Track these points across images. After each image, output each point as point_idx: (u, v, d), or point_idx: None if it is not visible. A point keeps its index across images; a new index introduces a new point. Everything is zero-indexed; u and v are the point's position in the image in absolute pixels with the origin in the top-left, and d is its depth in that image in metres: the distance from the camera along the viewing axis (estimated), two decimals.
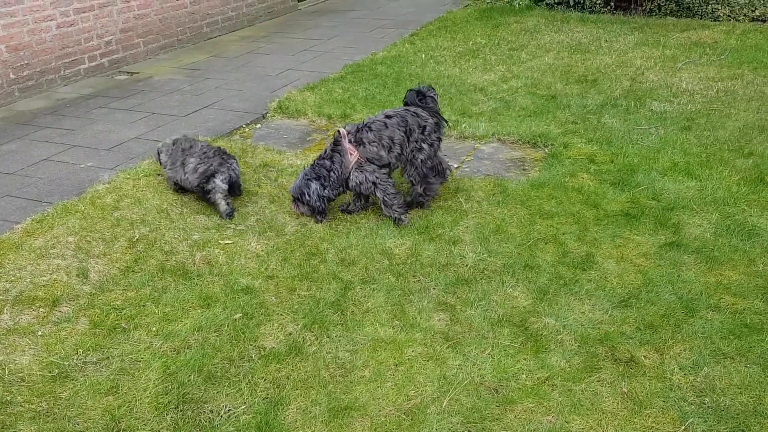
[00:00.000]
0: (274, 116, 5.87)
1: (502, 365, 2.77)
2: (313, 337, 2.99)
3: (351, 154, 3.87)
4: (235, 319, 3.11)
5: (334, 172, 3.91)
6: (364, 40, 8.50)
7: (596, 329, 2.96)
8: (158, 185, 4.49)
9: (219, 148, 4.25)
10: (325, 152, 3.97)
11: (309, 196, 3.90)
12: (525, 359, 2.81)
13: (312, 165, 3.99)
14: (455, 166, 4.77)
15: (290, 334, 3.01)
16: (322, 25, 9.50)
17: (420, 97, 4.16)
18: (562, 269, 3.44)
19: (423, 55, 7.52)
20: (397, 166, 4.05)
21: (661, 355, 2.79)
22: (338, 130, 3.95)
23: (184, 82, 6.96)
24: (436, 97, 4.24)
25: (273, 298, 3.28)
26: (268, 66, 7.49)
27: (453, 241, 3.75)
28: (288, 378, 2.75)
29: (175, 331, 3.05)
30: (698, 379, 2.64)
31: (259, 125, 5.71)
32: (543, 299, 3.20)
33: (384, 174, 3.93)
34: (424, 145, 3.99)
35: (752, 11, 8.26)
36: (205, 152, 4.14)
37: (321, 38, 8.71)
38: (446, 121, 4.28)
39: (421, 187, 4.06)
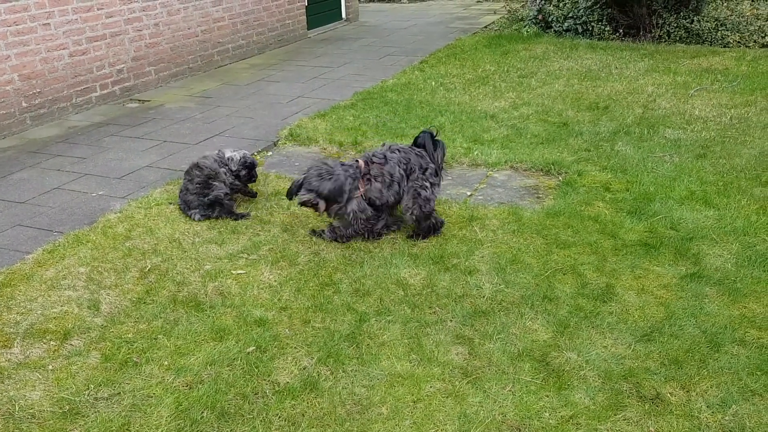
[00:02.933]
0: (286, 144, 5.86)
1: (524, 402, 2.69)
2: (329, 372, 2.92)
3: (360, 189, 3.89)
4: (249, 353, 3.05)
5: None
6: (373, 68, 8.54)
7: (620, 364, 2.88)
8: (170, 214, 4.46)
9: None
10: None
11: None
12: (547, 396, 2.73)
13: None
14: (468, 193, 4.73)
15: (305, 368, 2.94)
16: (332, 53, 9.56)
17: (434, 143, 4.16)
18: (581, 301, 3.37)
19: (433, 83, 7.53)
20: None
21: (688, 392, 2.70)
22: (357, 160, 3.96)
23: (195, 110, 6.98)
24: (445, 150, 4.24)
25: (287, 330, 3.22)
26: (278, 93, 7.52)
27: (469, 272, 3.69)
28: (303, 415, 2.68)
29: (188, 365, 2.99)
30: (726, 418, 2.55)
31: (270, 153, 5.70)
32: (564, 332, 3.12)
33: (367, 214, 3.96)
34: (426, 184, 3.98)
35: (762, 37, 8.27)
36: None
37: (331, 66, 8.75)
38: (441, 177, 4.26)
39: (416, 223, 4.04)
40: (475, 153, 5.40)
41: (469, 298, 3.45)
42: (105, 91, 7.35)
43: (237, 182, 4.52)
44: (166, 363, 3.01)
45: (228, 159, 4.50)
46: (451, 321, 3.27)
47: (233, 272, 3.75)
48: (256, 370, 2.93)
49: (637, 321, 3.18)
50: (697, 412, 2.59)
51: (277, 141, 5.97)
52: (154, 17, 7.83)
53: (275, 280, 3.65)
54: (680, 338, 3.03)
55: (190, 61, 8.48)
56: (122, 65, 7.50)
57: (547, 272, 3.64)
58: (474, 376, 2.87)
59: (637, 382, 2.76)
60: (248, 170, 4.54)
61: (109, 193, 4.93)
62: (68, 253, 3.96)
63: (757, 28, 8.41)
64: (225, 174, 4.44)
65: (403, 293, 3.51)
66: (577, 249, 3.86)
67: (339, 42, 10.40)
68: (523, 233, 4.07)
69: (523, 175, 5.01)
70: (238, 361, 2.99)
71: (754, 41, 8.26)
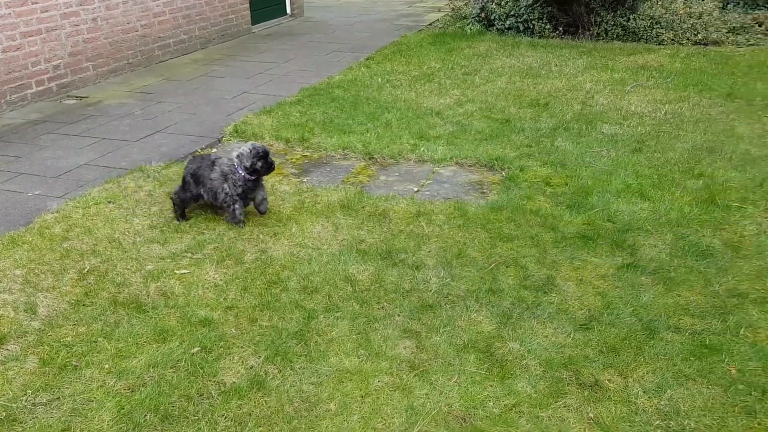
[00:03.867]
0: (230, 140, 5.78)
1: (469, 393, 2.75)
2: (276, 370, 2.91)
3: None
4: (193, 354, 3.00)
5: None
6: (319, 64, 8.50)
7: (560, 353, 2.98)
8: (109, 213, 4.34)
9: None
10: None
11: None
12: (492, 386, 2.79)
13: None
14: (415, 189, 4.78)
15: (251, 368, 2.92)
16: (277, 49, 9.46)
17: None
18: (524, 293, 3.45)
19: (379, 79, 7.56)
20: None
21: (625, 378, 2.81)
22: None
23: (136, 106, 6.80)
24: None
25: (233, 329, 3.19)
26: (222, 89, 7.40)
27: (416, 266, 3.73)
28: (250, 415, 2.66)
29: (130, 368, 2.92)
30: (662, 403, 2.66)
31: (215, 149, 5.60)
32: (507, 323, 3.20)
33: None
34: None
35: (695, 35, 8.62)
36: None
37: (276, 61, 8.67)
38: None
39: None
40: (422, 149, 5.45)
41: (417, 292, 3.49)
42: (41, 88, 7.07)
43: (251, 180, 4.12)
44: (107, 366, 2.94)
45: (238, 156, 4.09)
46: (399, 315, 3.30)
47: (176, 272, 3.68)
48: (201, 371, 2.89)
49: (576, 310, 3.28)
50: (634, 398, 2.69)
51: (222, 137, 5.87)
52: (92, 12, 7.58)
53: (221, 279, 3.60)
54: (617, 326, 3.14)
55: (130, 57, 8.25)
56: (59, 61, 7.23)
57: (491, 265, 3.71)
58: (421, 369, 2.91)
59: (577, 370, 2.86)
60: (264, 159, 4.09)
61: (46, 192, 4.76)
62: (3, 255, 3.81)
63: (689, 26, 8.76)
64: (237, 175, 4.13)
65: (351, 289, 3.52)
66: (520, 242, 3.95)
67: (284, 37, 10.30)
68: (469, 228, 4.14)
69: (468, 171, 5.09)
70: (182, 363, 2.94)
71: (687, 39, 8.60)
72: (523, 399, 2.71)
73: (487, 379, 2.84)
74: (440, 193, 4.73)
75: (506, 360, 2.94)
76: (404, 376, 2.86)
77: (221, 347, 3.05)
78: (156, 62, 8.66)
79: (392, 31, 10.50)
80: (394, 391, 2.78)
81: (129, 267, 3.72)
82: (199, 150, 5.55)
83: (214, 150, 5.59)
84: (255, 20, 10.80)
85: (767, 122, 5.59)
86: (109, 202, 4.50)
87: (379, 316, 3.29)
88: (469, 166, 5.18)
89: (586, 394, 2.73)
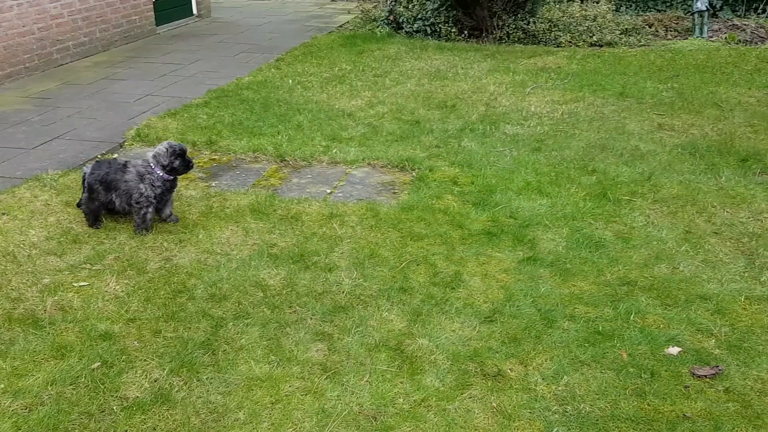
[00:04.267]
0: (133, 145, 5.58)
1: (380, 391, 2.79)
2: (182, 382, 2.84)
3: None
4: (94, 369, 2.89)
5: None
6: (228, 65, 8.35)
7: (466, 346, 3.08)
8: (3, 225, 4.10)
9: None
10: None
11: None
12: (402, 383, 2.85)
13: None
14: (328, 191, 4.79)
15: (156, 381, 2.84)
16: (183, 50, 9.21)
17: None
18: (433, 289, 3.54)
19: (290, 81, 7.51)
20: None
21: (525, 366, 2.95)
22: None
23: (33, 113, 6.44)
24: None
25: (135, 342, 3.09)
26: (125, 92, 7.13)
27: (329, 268, 3.74)
28: (155, 429, 2.59)
29: (26, 386, 2.78)
30: (560, 388, 2.81)
31: (116, 155, 5.39)
32: (417, 320, 3.28)
33: None
34: None
35: (590, 37, 9.09)
36: None
37: (182, 63, 8.43)
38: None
39: None
40: (334, 151, 5.47)
41: (329, 294, 3.51)
42: None
43: (169, 180, 4.06)
44: (2, 386, 2.78)
45: (155, 156, 4.00)
46: (311, 319, 3.30)
47: (75, 285, 3.52)
48: (103, 387, 2.79)
49: (482, 304, 3.40)
50: (534, 385, 2.83)
51: (124, 142, 5.66)
52: None
53: (122, 291, 3.48)
54: (518, 317, 3.28)
55: (27, 61, 7.80)
56: None
57: (402, 264, 3.78)
58: (333, 371, 2.93)
59: (482, 361, 2.97)
60: (181, 158, 4.03)
61: None
62: None
63: (585, 28, 9.22)
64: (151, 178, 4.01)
65: (262, 295, 3.50)
66: (429, 240, 4.05)
67: (190, 38, 10.03)
68: (381, 228, 4.20)
69: (380, 172, 5.16)
70: (82, 379, 2.83)
71: (584, 41, 9.06)
72: (432, 393, 2.78)
73: (397, 376, 2.90)
74: (353, 194, 4.77)
75: (416, 356, 3.02)
76: (316, 379, 2.88)
77: (123, 361, 2.95)
78: (55, 66, 8.22)
79: (303, 33, 10.45)
80: (306, 395, 2.78)
81: (24, 281, 3.53)
82: (99, 156, 5.33)
83: (116, 156, 5.38)
84: (159, 21, 10.45)
85: (655, 119, 5.98)
86: (3, 214, 4.25)
87: (291, 321, 3.29)
88: (381, 167, 5.25)
89: (490, 384, 2.84)
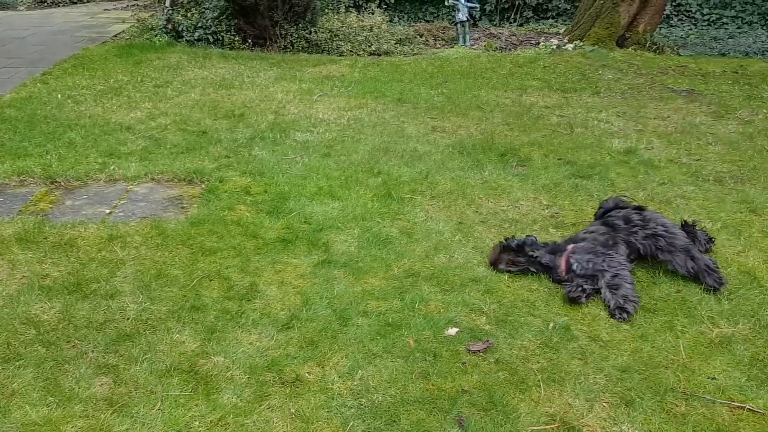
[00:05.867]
0: None
1: (173, 417, 2.69)
2: None
3: None
4: None
5: None
6: None
7: (264, 357, 3.08)
8: None
9: None
10: None
11: None
12: (197, 405, 2.77)
13: None
14: (107, 211, 4.48)
15: None
16: None
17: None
18: (228, 304, 3.49)
19: (59, 95, 6.91)
20: None
21: (323, 367, 3.03)
22: None
23: None
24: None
25: None
26: None
27: (111, 295, 3.51)
28: None
29: None
30: (355, 383, 2.94)
31: None
32: (211, 338, 3.20)
33: None
34: None
35: (369, 46, 9.57)
36: None
37: None
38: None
39: None
40: (112, 167, 5.14)
41: (113, 323, 3.29)
42: None
43: None
44: None
45: None
46: (93, 352, 3.08)
47: None
48: None
49: (279, 312, 3.43)
50: (331, 384, 2.92)
51: None
52: None
53: None
54: (315, 320, 3.37)
55: None
56: None
57: (193, 281, 3.67)
58: (120, 404, 2.76)
59: (280, 370, 3.00)
60: None
61: None
62: None
63: (364, 38, 9.69)
64: None
65: (35, 332, 3.18)
66: (223, 254, 3.98)
67: None
68: (168, 246, 4.03)
69: (166, 186, 4.95)
70: None
71: (363, 50, 9.51)
72: (229, 411, 2.74)
73: (192, 399, 2.81)
74: (136, 212, 4.51)
75: (211, 375, 2.95)
76: (101, 415, 2.68)
77: None
78: None
79: (73, 44, 9.65)
80: None
81: None
82: None
83: None
84: None
85: (429, 122, 6.49)
86: None
87: (70, 357, 3.03)
88: (167, 181, 5.04)
89: (288, 391, 2.87)
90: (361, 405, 2.81)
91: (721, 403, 2.83)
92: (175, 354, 3.08)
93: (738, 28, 12.00)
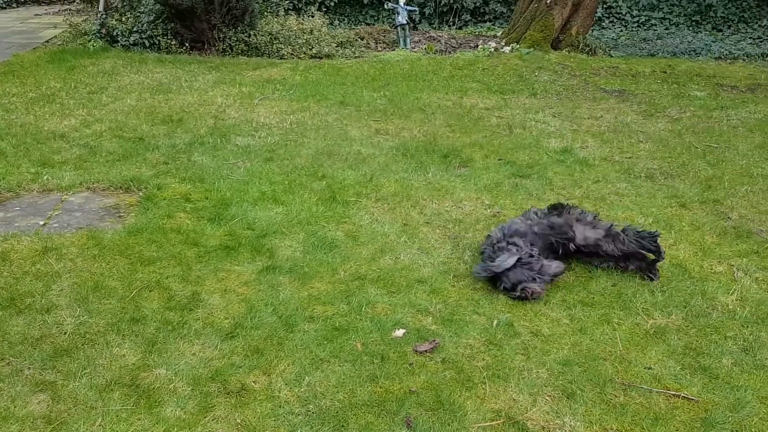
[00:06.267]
0: None
1: None
2: None
3: None
4: None
5: None
6: None
7: (207, 367, 3.02)
8: None
9: None
10: None
11: None
12: (139, 419, 2.70)
13: None
14: (41, 223, 4.31)
15: None
16: None
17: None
18: (169, 314, 3.41)
19: None
20: None
21: (269, 375, 3.00)
22: None
23: None
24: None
25: None
26: None
27: (46, 309, 3.38)
28: None
29: None
30: (302, 390, 2.91)
31: None
32: (152, 350, 3.12)
33: None
34: None
35: (310, 49, 9.53)
36: None
37: None
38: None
39: None
40: (46, 177, 4.96)
41: (49, 338, 3.17)
42: None
43: None
44: None
45: None
46: (29, 369, 2.96)
47: None
48: None
49: (223, 321, 3.38)
50: (278, 392, 2.89)
51: None
52: None
53: None
54: (260, 328, 3.33)
55: None
56: None
57: (132, 293, 3.57)
58: (59, 422, 2.66)
59: (224, 380, 2.95)
60: None
61: None
62: None
63: (304, 41, 9.64)
64: None
65: None
66: (162, 263, 3.88)
67: None
68: (105, 257, 3.92)
69: (102, 196, 4.80)
70: None
71: (304, 53, 9.46)
72: (172, 424, 2.68)
73: (134, 413, 2.73)
74: (71, 223, 4.36)
75: (153, 388, 2.87)
76: None
77: None
78: None
79: (2, 50, 9.30)
80: None
81: None
82: None
83: None
84: None
85: (373, 125, 6.51)
86: None
87: (5, 374, 2.91)
88: (103, 190, 4.89)
89: (233, 401, 2.83)
90: (309, 411, 2.79)
91: (657, 392, 2.95)
92: (115, 368, 2.99)
93: (666, 29, 12.54)
